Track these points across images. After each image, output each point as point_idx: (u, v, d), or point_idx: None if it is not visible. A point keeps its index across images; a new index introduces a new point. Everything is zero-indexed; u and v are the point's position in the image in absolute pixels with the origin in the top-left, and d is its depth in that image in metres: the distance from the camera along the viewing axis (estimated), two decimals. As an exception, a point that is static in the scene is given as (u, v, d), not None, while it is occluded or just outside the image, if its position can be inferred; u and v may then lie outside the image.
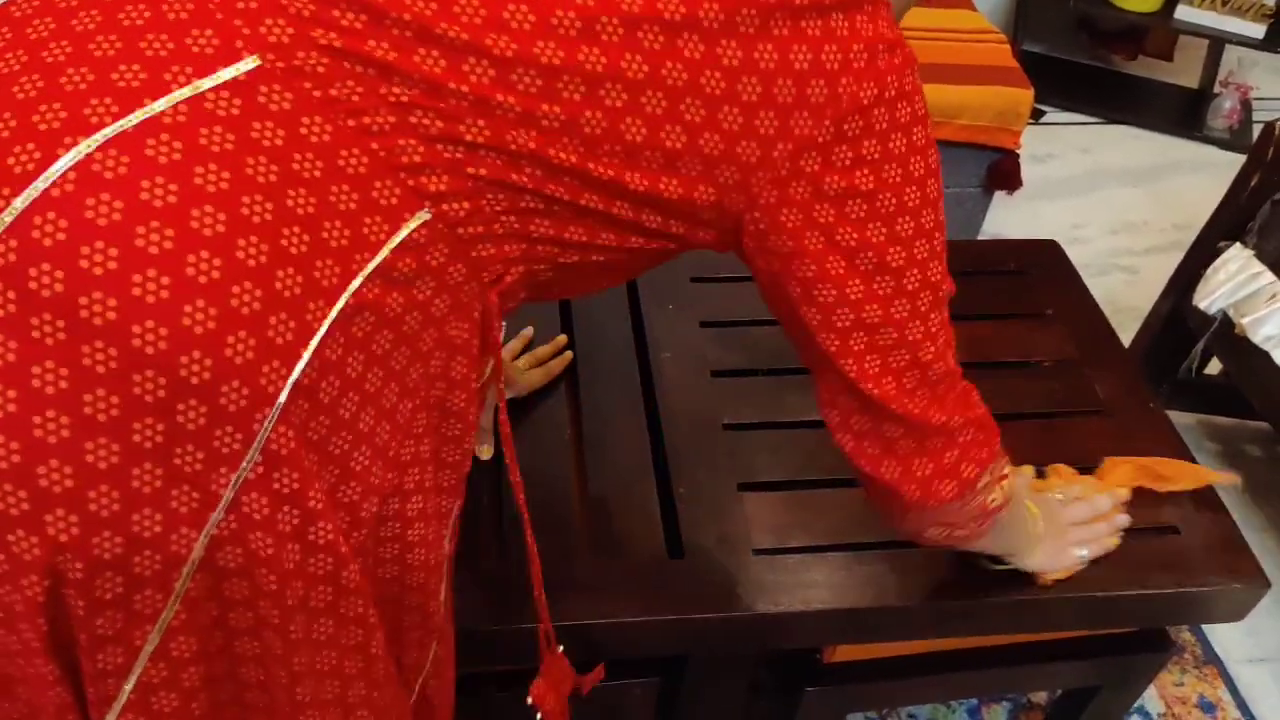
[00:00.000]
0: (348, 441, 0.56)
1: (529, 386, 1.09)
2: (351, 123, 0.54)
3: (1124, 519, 1.01)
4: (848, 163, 0.62)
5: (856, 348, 0.68)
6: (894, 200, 0.64)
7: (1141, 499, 1.05)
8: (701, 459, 1.04)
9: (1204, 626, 1.57)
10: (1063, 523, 0.98)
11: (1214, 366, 1.74)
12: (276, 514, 0.54)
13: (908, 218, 0.65)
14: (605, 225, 0.62)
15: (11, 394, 0.47)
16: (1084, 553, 0.98)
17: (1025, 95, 1.91)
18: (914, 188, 0.64)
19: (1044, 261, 1.35)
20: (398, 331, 0.57)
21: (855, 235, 0.64)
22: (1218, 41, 2.61)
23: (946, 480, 0.75)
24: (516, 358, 1.11)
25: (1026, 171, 2.02)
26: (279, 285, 0.51)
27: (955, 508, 0.77)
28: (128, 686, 0.54)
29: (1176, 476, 1.07)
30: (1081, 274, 1.34)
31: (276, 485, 0.53)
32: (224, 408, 0.50)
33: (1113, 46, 2.91)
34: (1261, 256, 1.50)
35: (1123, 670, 1.15)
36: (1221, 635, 1.56)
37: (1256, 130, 1.80)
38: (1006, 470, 0.81)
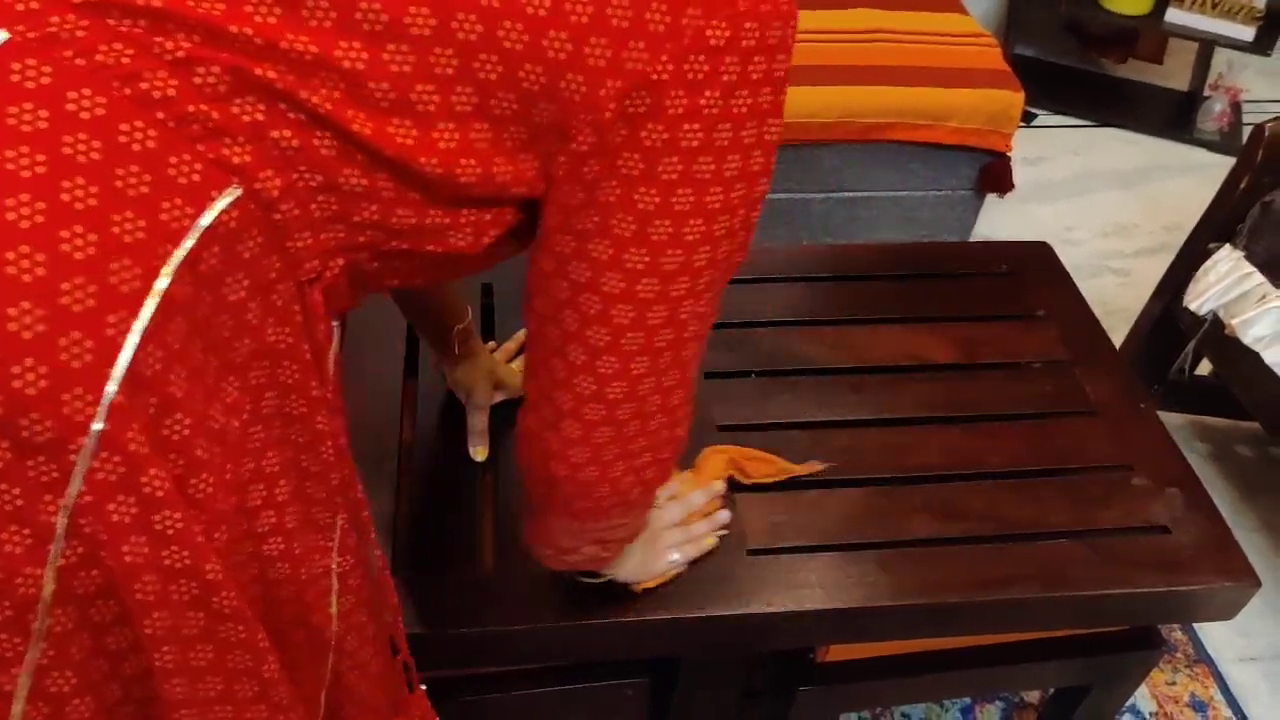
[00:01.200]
0: (181, 466, 0.51)
1: (509, 385, 1.06)
2: (127, 90, 0.47)
3: (724, 515, 0.95)
4: (680, 112, 0.53)
5: (622, 315, 0.60)
6: (711, 167, 0.56)
7: (1130, 499, 1.06)
8: (695, 460, 1.05)
9: (1195, 626, 1.57)
10: (656, 527, 0.90)
11: (1205, 367, 1.74)
12: (120, 542, 0.50)
13: (719, 189, 0.57)
14: (428, 197, 0.55)
15: None
16: (677, 556, 0.91)
17: (1016, 98, 1.92)
18: (737, 155, 0.56)
19: (1035, 263, 1.35)
20: (207, 339, 0.51)
21: (658, 198, 0.56)
22: (1207, 44, 2.63)
23: (644, 487, 0.70)
24: (511, 360, 1.11)
25: (1018, 174, 2.03)
26: (66, 299, 0.44)
27: (618, 523, 0.73)
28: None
29: (762, 469, 1.02)
30: (1073, 276, 1.35)
31: (112, 512, 0.49)
32: (28, 440, 0.46)
33: (1103, 50, 2.92)
34: (1251, 258, 1.51)
35: (1114, 669, 1.15)
36: (1213, 634, 1.57)
37: (1247, 133, 1.82)
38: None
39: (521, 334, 1.13)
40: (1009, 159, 1.99)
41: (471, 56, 0.51)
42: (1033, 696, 1.46)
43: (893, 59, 1.96)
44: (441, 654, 0.92)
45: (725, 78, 0.53)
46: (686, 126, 0.54)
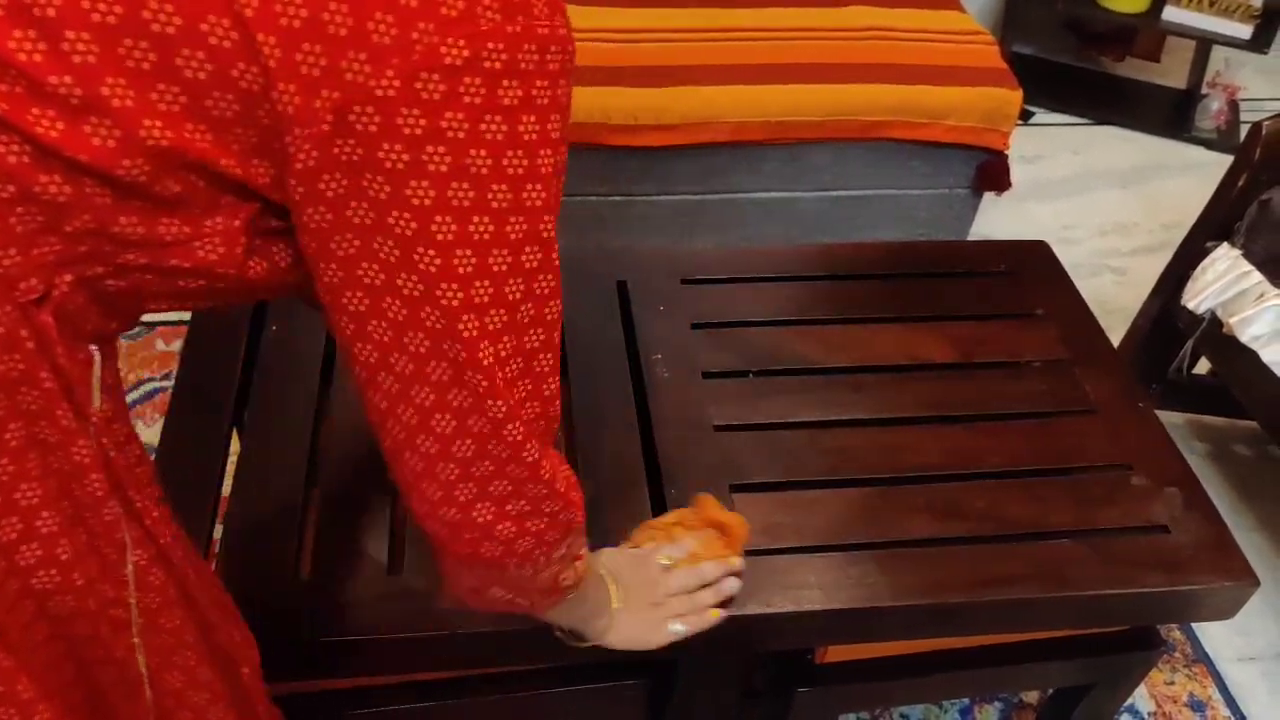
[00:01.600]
0: None
1: None
2: None
3: (733, 584, 0.90)
4: (419, 132, 0.50)
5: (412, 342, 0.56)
6: (470, 195, 0.52)
7: (1129, 499, 1.06)
8: (692, 460, 1.04)
9: (1194, 625, 1.57)
10: (660, 593, 0.86)
11: (1204, 366, 1.74)
12: None
13: (485, 218, 0.53)
14: (155, 206, 0.51)
15: None
16: (680, 628, 0.86)
17: (1013, 96, 1.92)
18: (504, 185, 0.53)
19: (1033, 262, 1.35)
20: None
21: (414, 224, 0.52)
22: (1205, 42, 2.63)
23: (525, 527, 0.65)
24: None
25: (1016, 173, 2.02)
26: None
27: (527, 574, 0.69)
28: None
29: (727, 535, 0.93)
30: (1071, 275, 1.34)
31: None
32: None
33: (1101, 48, 2.92)
34: (1249, 256, 1.51)
35: (1113, 669, 1.15)
36: (1211, 634, 1.57)
37: (1244, 131, 1.81)
38: (583, 551, 0.74)
39: None
40: (1006, 157, 1.98)
41: (173, 52, 0.47)
42: (1031, 697, 1.46)
43: (890, 57, 1.96)
44: (440, 656, 0.92)
45: (468, 100, 0.50)
46: (430, 149, 0.50)
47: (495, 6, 0.49)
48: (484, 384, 0.58)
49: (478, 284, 0.55)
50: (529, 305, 0.58)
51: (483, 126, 0.51)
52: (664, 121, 1.81)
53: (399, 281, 0.54)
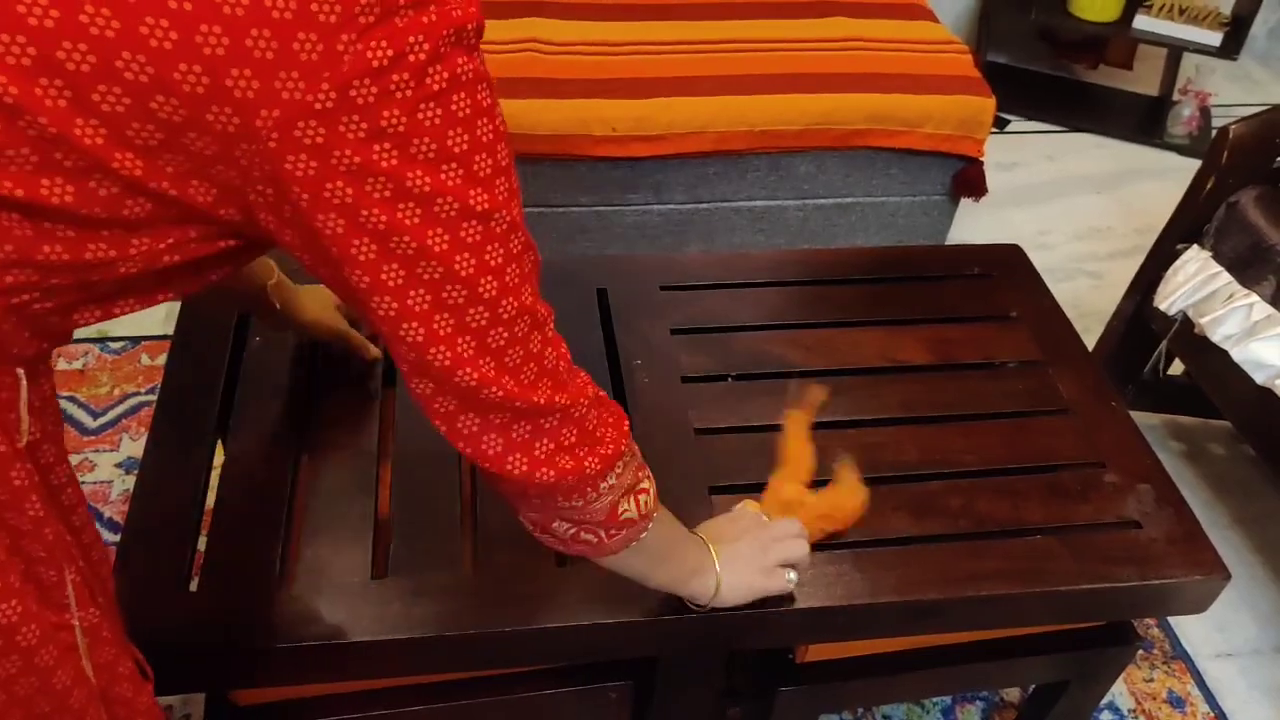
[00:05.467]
0: None
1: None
2: None
3: (806, 546, 0.95)
4: (363, 135, 0.52)
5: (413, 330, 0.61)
6: (426, 179, 0.55)
7: (1102, 496, 1.08)
8: (673, 463, 1.06)
9: (1172, 622, 1.59)
10: (765, 540, 0.91)
11: (1178, 367, 1.77)
12: None
13: (447, 198, 0.56)
14: (88, 230, 0.52)
15: None
16: (793, 576, 0.92)
17: (988, 104, 1.95)
18: (453, 164, 0.56)
19: (1007, 265, 1.37)
20: None
21: (384, 217, 0.55)
22: (1176, 50, 2.67)
23: (559, 465, 0.69)
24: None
25: (992, 180, 2.05)
26: None
27: (578, 503, 0.73)
28: None
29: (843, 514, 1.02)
30: (1047, 279, 1.37)
31: None
32: None
33: (1074, 56, 2.96)
34: (1218, 258, 1.54)
35: (1091, 665, 1.17)
36: (1190, 631, 1.59)
37: (1213, 135, 1.84)
38: (646, 485, 0.77)
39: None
40: (982, 164, 2.01)
41: (88, 89, 0.48)
42: (1012, 695, 1.47)
43: (867, 66, 1.99)
44: (423, 658, 0.93)
45: (400, 94, 0.52)
46: (377, 147, 0.53)
47: (408, 3, 0.51)
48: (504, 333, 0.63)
49: (458, 257, 0.59)
50: (513, 266, 0.62)
51: (420, 116, 0.53)
52: (648, 132, 1.84)
53: (384, 277, 0.58)
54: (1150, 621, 1.58)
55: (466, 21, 0.54)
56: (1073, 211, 2.47)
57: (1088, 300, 2.15)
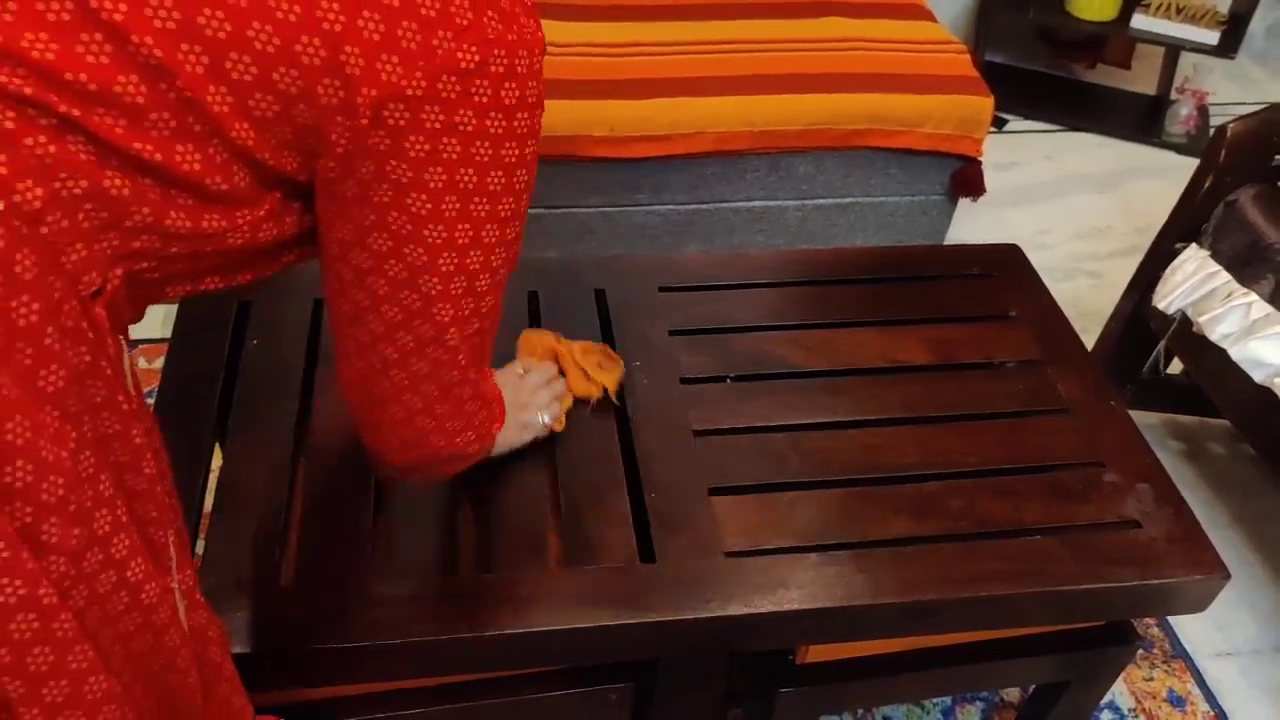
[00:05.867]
0: (29, 514, 0.51)
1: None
2: None
3: (561, 385, 1.07)
4: (438, 126, 0.58)
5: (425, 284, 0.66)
6: (475, 178, 0.61)
7: (1102, 495, 1.07)
8: (672, 464, 1.06)
9: (1172, 622, 1.59)
10: (524, 397, 1.01)
11: (1176, 366, 1.77)
12: None
13: (483, 199, 0.62)
14: (204, 200, 0.57)
15: None
16: (546, 418, 1.03)
17: (986, 103, 1.95)
18: (500, 172, 0.62)
19: (1006, 265, 1.37)
20: (11, 371, 0.50)
21: (429, 204, 0.61)
22: (1173, 49, 2.67)
23: (467, 433, 0.78)
24: None
25: (991, 180, 2.05)
26: None
27: (450, 466, 0.82)
28: None
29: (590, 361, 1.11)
30: (1046, 279, 1.37)
31: None
32: None
33: (1072, 55, 2.96)
34: (1217, 257, 1.54)
35: (1091, 665, 1.17)
36: (1189, 630, 1.59)
37: (1212, 134, 1.84)
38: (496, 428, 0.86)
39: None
40: (980, 164, 2.01)
41: (222, 56, 0.52)
42: (1012, 696, 1.47)
43: (866, 67, 1.99)
44: (423, 661, 0.93)
45: (477, 99, 0.58)
46: (445, 141, 0.58)
47: (497, 17, 0.57)
48: (452, 331, 0.69)
49: (473, 253, 0.65)
50: (497, 267, 0.68)
51: (487, 122, 0.59)
52: (649, 133, 1.84)
53: (406, 250, 0.63)
54: (1150, 621, 1.58)
55: (537, 46, 0.59)
56: (1071, 211, 2.47)
57: (1087, 300, 2.15)
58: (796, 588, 0.96)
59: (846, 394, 1.16)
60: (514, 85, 0.58)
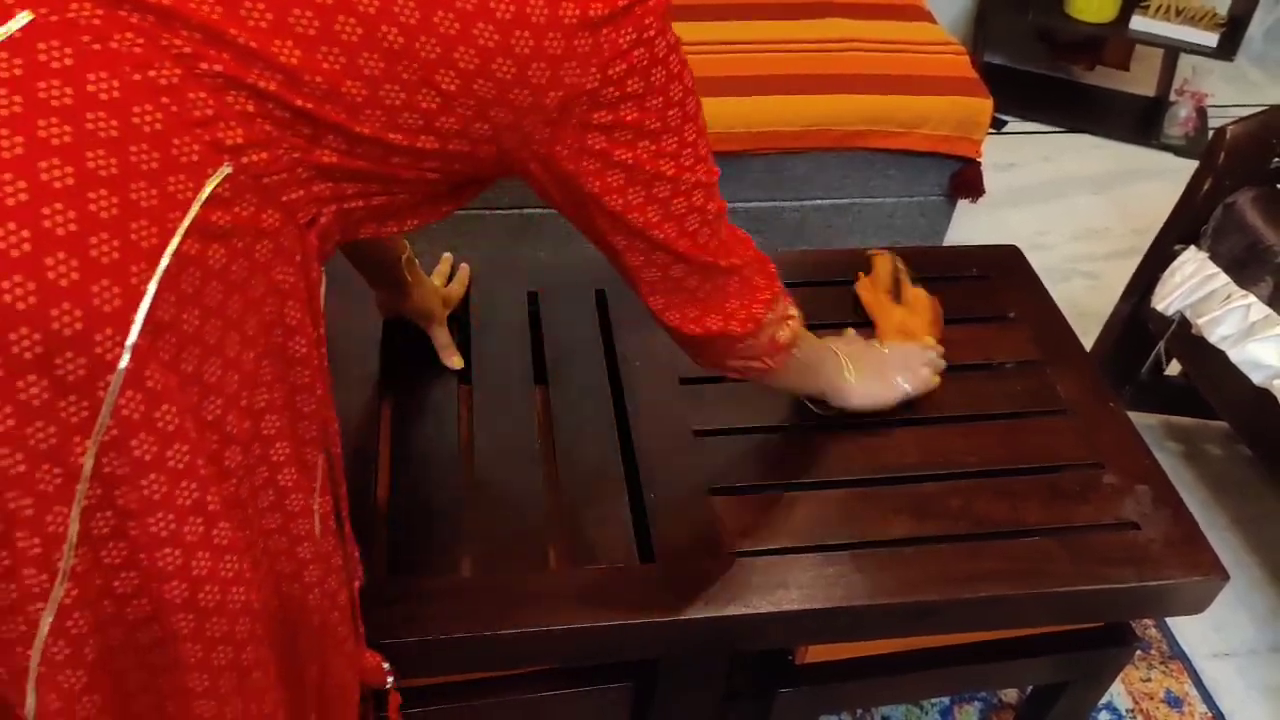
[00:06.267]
0: (196, 394, 0.57)
1: (454, 299, 1.19)
2: (138, 77, 0.53)
3: (941, 361, 1.16)
4: (613, 99, 0.68)
5: (651, 226, 0.77)
6: (659, 122, 0.71)
7: (1101, 496, 1.08)
8: (671, 464, 1.06)
9: (1170, 623, 1.60)
10: (886, 364, 1.12)
11: (1175, 368, 1.77)
12: (140, 478, 0.54)
13: (671, 135, 0.72)
14: (400, 161, 0.65)
15: None
16: (907, 386, 1.11)
17: (985, 105, 1.95)
18: (675, 109, 0.72)
19: (1005, 266, 1.37)
20: (226, 281, 0.58)
21: (629, 155, 0.71)
22: (1172, 50, 2.67)
23: (739, 316, 0.86)
24: (447, 281, 1.20)
25: (990, 181, 2.06)
26: (95, 252, 0.50)
27: (749, 343, 0.88)
28: (35, 659, 0.55)
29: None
30: (1045, 279, 1.37)
31: (135, 448, 0.54)
32: (63, 379, 0.51)
33: (1071, 57, 2.96)
34: (1215, 259, 1.54)
35: (1089, 666, 1.17)
36: (1187, 631, 1.59)
37: (1210, 136, 1.85)
38: (792, 312, 0.92)
39: (448, 254, 1.24)
40: (979, 165, 2.01)
41: (432, 71, 0.61)
42: (1010, 696, 1.47)
43: (865, 68, 1.99)
44: (423, 660, 0.93)
45: (640, 63, 0.67)
46: (623, 108, 0.69)
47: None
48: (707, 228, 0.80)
49: (685, 176, 0.76)
50: (701, 191, 0.78)
51: (653, 79, 0.69)
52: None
53: (630, 199, 0.74)
54: (1148, 622, 1.58)
55: (669, 3, 0.69)
56: (1070, 212, 2.48)
57: (1085, 301, 2.15)
58: (796, 588, 0.96)
59: (846, 394, 1.16)
60: (661, 40, 0.68)
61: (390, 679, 0.85)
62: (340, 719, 0.78)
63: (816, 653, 1.07)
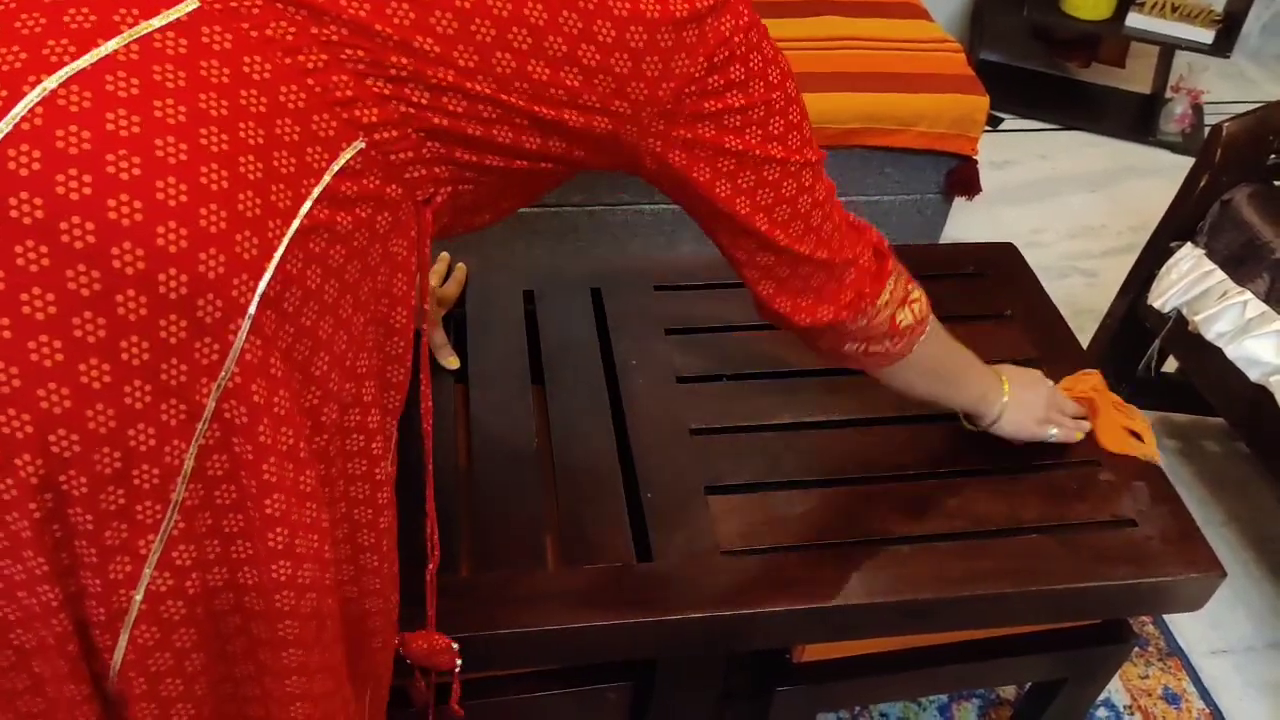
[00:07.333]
0: (308, 348, 0.61)
1: (450, 298, 1.20)
2: (288, 60, 0.59)
3: (1086, 425, 1.14)
4: (720, 87, 0.71)
5: (760, 215, 0.79)
6: (763, 107, 0.74)
7: (1098, 494, 1.08)
8: (668, 463, 1.06)
9: (1167, 620, 1.60)
10: (1051, 405, 1.11)
11: (1172, 364, 1.77)
12: (256, 423, 0.57)
13: (777, 118, 0.76)
14: (518, 153, 0.69)
15: (5, 321, 0.50)
16: (1055, 432, 1.10)
17: (981, 102, 1.95)
18: (777, 92, 0.75)
19: (1002, 264, 1.37)
20: (349, 247, 0.63)
21: (737, 141, 0.74)
22: (1168, 47, 2.67)
23: (845, 299, 0.87)
24: (442, 281, 1.22)
25: (986, 178, 2.06)
26: (241, 207, 0.55)
27: (861, 324, 0.89)
28: (138, 596, 0.58)
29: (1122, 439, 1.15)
30: (1041, 277, 1.37)
31: (254, 393, 0.57)
32: (201, 320, 0.55)
33: (1066, 54, 2.96)
34: (1212, 255, 1.54)
35: (1087, 663, 1.17)
36: (1185, 628, 1.59)
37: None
38: (916, 295, 0.92)
39: (444, 254, 1.25)
40: (975, 162, 2.01)
41: (558, 69, 0.65)
42: (1008, 693, 1.47)
43: (860, 65, 1.99)
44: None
45: (740, 50, 0.71)
46: (729, 94, 0.72)
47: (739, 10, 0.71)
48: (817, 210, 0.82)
49: (793, 152, 0.78)
50: (810, 171, 0.80)
51: (752, 64, 0.72)
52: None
53: (740, 181, 0.76)
54: (1145, 619, 1.58)
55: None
56: (1066, 210, 2.48)
57: (1082, 298, 2.15)
58: (793, 586, 0.96)
59: (843, 393, 1.16)
60: (755, 27, 0.72)
61: (458, 662, 0.87)
62: (376, 701, 0.81)
63: (814, 651, 1.07)
